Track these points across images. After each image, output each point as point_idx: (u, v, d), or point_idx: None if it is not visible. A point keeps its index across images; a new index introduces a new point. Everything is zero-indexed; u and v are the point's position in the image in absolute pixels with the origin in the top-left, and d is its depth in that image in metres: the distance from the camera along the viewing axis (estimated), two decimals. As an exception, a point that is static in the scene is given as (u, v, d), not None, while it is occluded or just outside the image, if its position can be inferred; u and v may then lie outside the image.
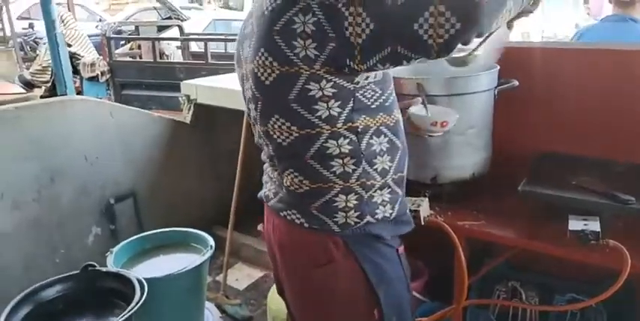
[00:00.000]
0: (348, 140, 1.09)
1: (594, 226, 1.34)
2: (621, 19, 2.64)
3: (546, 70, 1.75)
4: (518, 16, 1.13)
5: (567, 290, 1.62)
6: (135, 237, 2.08)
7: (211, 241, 2.01)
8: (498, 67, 1.66)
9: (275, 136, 1.15)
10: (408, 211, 1.25)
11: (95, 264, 1.72)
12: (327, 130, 1.08)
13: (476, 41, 1.10)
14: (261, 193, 1.31)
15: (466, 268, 1.49)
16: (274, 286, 2.27)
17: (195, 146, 2.90)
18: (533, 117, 1.78)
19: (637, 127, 1.61)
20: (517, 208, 1.55)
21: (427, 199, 1.57)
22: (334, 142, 1.09)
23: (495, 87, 1.67)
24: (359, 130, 1.09)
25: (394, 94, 1.18)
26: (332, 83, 1.04)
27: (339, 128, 1.08)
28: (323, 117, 1.07)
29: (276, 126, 1.13)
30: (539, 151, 1.71)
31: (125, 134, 2.56)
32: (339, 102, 1.06)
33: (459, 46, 0.99)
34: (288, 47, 1.03)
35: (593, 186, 1.49)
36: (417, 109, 1.41)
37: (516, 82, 1.69)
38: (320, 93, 1.05)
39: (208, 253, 1.97)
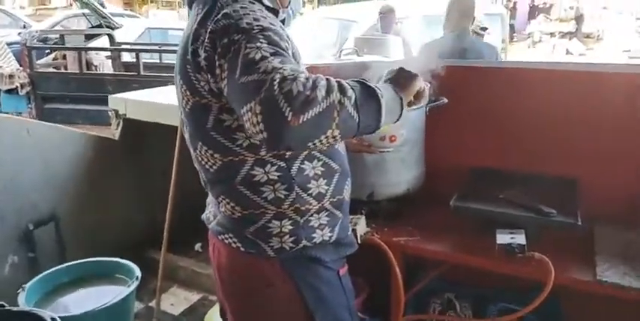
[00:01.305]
0: (275, 167, 1.07)
1: (520, 239, 1.40)
2: None
3: (474, 88, 1.82)
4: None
5: (499, 300, 1.67)
6: (52, 270, 1.94)
7: (137, 272, 1.92)
8: (429, 85, 1.70)
9: (203, 163, 1.14)
10: (349, 232, 1.24)
11: (4, 304, 1.56)
12: (251, 157, 1.07)
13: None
14: (203, 215, 1.29)
15: (403, 283, 1.51)
16: (212, 308, 2.20)
17: (124, 164, 2.76)
18: (462, 133, 1.84)
19: (561, 142, 1.70)
20: (450, 223, 1.59)
21: (364, 216, 1.59)
22: (261, 169, 1.07)
23: (426, 104, 1.72)
24: (287, 156, 1.08)
25: None
26: None
27: (263, 156, 1.07)
28: (244, 145, 1.06)
29: (202, 152, 1.12)
30: (470, 166, 1.78)
31: (44, 153, 2.39)
32: None
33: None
34: (195, 79, 1.02)
35: (519, 200, 1.56)
36: None
37: (445, 100, 1.75)
38: (236, 123, 1.04)
39: (134, 285, 1.86)
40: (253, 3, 1.06)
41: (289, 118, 0.83)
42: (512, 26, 16.03)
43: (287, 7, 1.21)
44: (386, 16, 4.39)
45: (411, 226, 1.62)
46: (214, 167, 1.11)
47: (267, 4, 1.11)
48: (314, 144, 0.89)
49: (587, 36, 17.27)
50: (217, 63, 0.95)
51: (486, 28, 3.90)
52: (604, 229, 1.53)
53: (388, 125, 1.36)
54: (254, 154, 1.06)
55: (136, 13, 14.34)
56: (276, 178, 1.08)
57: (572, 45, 15.37)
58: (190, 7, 1.13)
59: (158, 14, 15.59)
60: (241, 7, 1.01)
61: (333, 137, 0.89)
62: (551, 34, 16.46)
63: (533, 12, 18.52)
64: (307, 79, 0.87)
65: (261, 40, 0.92)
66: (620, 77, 1.68)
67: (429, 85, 1.15)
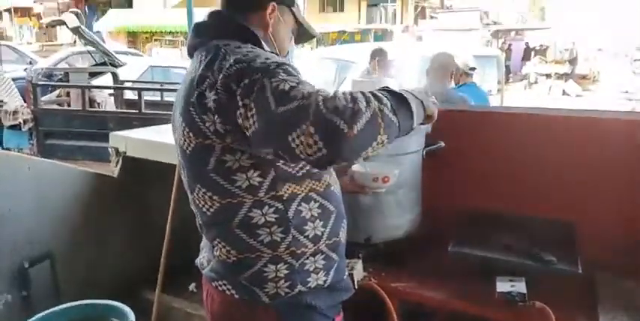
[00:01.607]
0: (273, 209, 1.08)
1: (521, 287, 1.38)
2: None
3: (471, 132, 1.85)
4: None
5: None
6: (46, 312, 1.89)
7: (132, 316, 1.87)
8: (426, 130, 1.73)
9: (200, 205, 1.14)
10: (345, 276, 1.22)
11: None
12: (250, 199, 1.07)
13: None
14: (197, 260, 1.28)
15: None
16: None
17: (122, 202, 2.75)
18: (459, 176, 1.85)
19: (558, 186, 1.71)
20: (448, 268, 1.57)
21: (361, 261, 1.57)
22: (258, 211, 1.08)
23: (423, 148, 1.74)
24: (285, 198, 1.09)
25: None
26: (247, 155, 1.05)
27: (261, 197, 1.08)
28: (243, 187, 1.07)
29: (199, 195, 1.12)
30: (467, 209, 1.77)
31: (43, 190, 2.38)
32: (259, 171, 1.06)
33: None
34: (200, 120, 1.04)
35: (518, 246, 1.54)
36: (357, 166, 1.43)
37: (442, 144, 1.76)
38: (237, 164, 1.05)
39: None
40: (254, 48, 1.10)
41: (346, 131, 0.88)
42: (507, 67, 16.42)
43: (285, 57, 1.25)
44: (380, 59, 4.50)
45: (408, 271, 1.61)
46: (211, 210, 1.12)
47: (268, 49, 1.15)
48: (366, 152, 0.94)
49: (583, 77, 17.63)
50: (240, 103, 0.96)
51: (474, 68, 4.16)
52: (605, 276, 1.51)
53: (381, 169, 1.39)
54: (252, 196, 1.07)
55: (140, 51, 14.69)
56: (273, 220, 1.08)
57: (568, 86, 15.66)
58: (191, 56, 1.17)
59: (161, 52, 15.95)
60: (248, 52, 1.05)
61: (382, 142, 0.94)
62: (547, 76, 16.81)
63: (527, 53, 18.99)
64: (344, 94, 0.93)
65: (281, 74, 0.96)
66: (618, 123, 1.71)
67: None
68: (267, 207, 1.08)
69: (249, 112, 0.96)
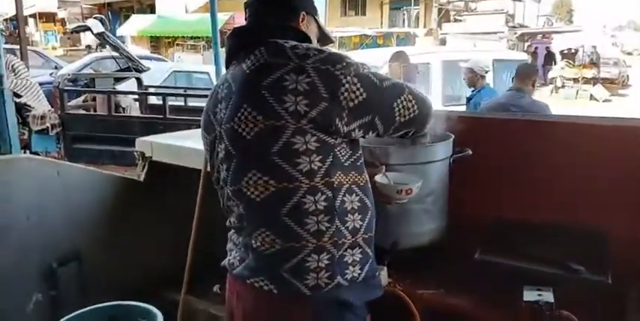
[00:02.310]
0: (324, 196, 1.12)
1: (548, 297, 1.36)
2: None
3: (498, 139, 1.84)
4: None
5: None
6: (75, 314, 1.94)
7: (160, 317, 1.90)
8: (453, 137, 1.73)
9: (249, 193, 1.15)
10: (377, 273, 1.26)
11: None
12: (306, 184, 1.11)
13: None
14: (224, 262, 1.29)
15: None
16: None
17: (148, 206, 2.79)
18: (487, 184, 1.83)
19: (588, 194, 1.68)
20: (474, 276, 1.55)
21: (386, 267, 1.57)
22: (312, 197, 1.12)
23: (450, 156, 1.73)
24: (335, 185, 1.13)
25: (363, 157, 1.24)
26: (316, 137, 1.11)
27: (316, 182, 1.12)
28: (304, 170, 1.11)
29: (251, 182, 1.14)
30: (495, 218, 1.76)
31: (72, 194, 2.45)
32: (321, 156, 1.12)
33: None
34: (276, 101, 1.09)
35: (546, 254, 1.53)
36: (380, 177, 1.43)
37: (470, 151, 1.76)
38: (304, 147, 1.10)
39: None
40: None
41: (429, 101, 1.26)
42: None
43: None
44: (401, 63, 4.50)
45: (434, 279, 1.60)
46: (262, 196, 1.14)
47: None
48: (430, 122, 1.30)
49: (612, 82, 17.27)
50: (344, 80, 1.12)
51: (488, 70, 4.58)
52: (635, 288, 1.48)
53: (404, 180, 1.44)
54: (309, 181, 1.11)
55: (163, 56, 14.91)
56: (322, 207, 1.12)
57: (595, 91, 15.37)
58: (236, 56, 1.23)
59: (183, 57, 16.17)
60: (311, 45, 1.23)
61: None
62: (575, 80, 16.51)
63: (549, 58, 18.65)
64: None
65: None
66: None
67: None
68: (319, 194, 1.12)
69: (353, 86, 1.12)
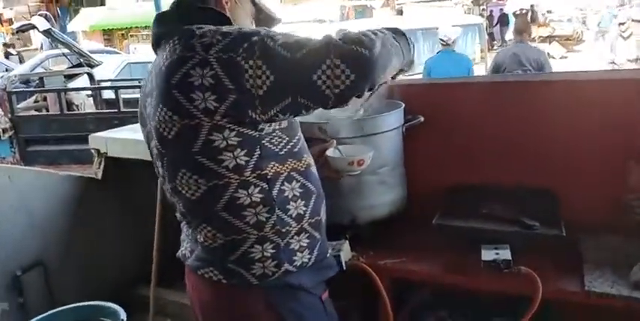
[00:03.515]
0: (258, 188, 1.09)
1: (505, 254, 1.38)
2: None
3: (447, 105, 1.82)
4: (397, 73, 1.24)
5: (494, 315, 1.64)
6: (36, 319, 1.90)
7: (122, 314, 1.88)
8: (403, 105, 1.72)
9: (184, 192, 1.13)
10: (328, 254, 1.24)
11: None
12: (236, 179, 1.08)
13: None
14: (179, 253, 1.28)
15: (393, 305, 1.48)
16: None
17: (108, 203, 2.74)
18: (440, 151, 1.84)
19: (537, 154, 1.70)
20: (435, 242, 1.57)
21: (347, 242, 1.56)
22: (244, 191, 1.09)
23: (402, 125, 1.72)
24: (269, 177, 1.10)
25: (303, 140, 1.20)
26: (235, 132, 1.05)
27: (247, 177, 1.08)
28: (230, 167, 1.07)
29: (183, 181, 1.12)
30: (451, 184, 1.76)
31: (28, 198, 2.37)
32: (245, 150, 1.07)
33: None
34: (187, 100, 1.04)
35: (501, 214, 1.55)
36: (332, 151, 1.42)
37: (422, 118, 1.75)
38: (224, 143, 1.06)
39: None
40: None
41: (368, 54, 1.00)
42: (491, 35, 16.30)
43: None
44: None
45: (396, 248, 1.61)
46: (197, 194, 1.11)
47: None
48: (385, 75, 1.08)
49: (567, 38, 17.55)
50: (246, 66, 1.00)
51: (450, 38, 5.24)
52: (589, 237, 1.51)
53: (356, 152, 1.39)
54: (239, 176, 1.08)
55: (117, 48, 14.46)
56: (258, 200, 1.09)
57: (551, 48, 15.60)
58: (158, 45, 1.15)
59: (139, 48, 15.70)
60: (228, 28, 1.08)
61: (394, 67, 1.11)
62: (532, 39, 16.72)
63: (503, 19, 18.79)
64: (351, 31, 1.06)
65: (277, 34, 1.04)
66: (593, 84, 1.69)
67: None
68: (252, 187, 1.09)
69: (258, 71, 1.01)
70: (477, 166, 1.78)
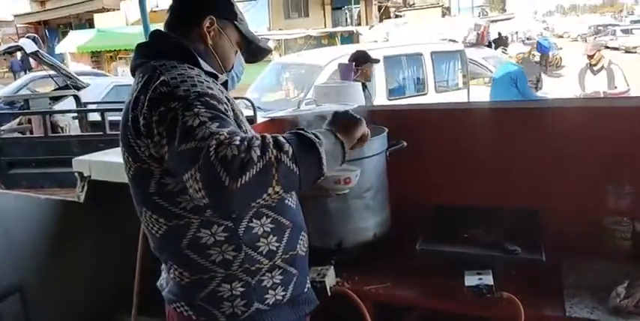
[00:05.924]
0: (222, 227, 1.06)
1: (488, 279, 1.39)
2: None
3: (430, 129, 1.86)
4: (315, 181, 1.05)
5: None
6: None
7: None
8: (387, 130, 1.74)
9: (149, 228, 1.13)
10: (306, 289, 1.21)
11: None
12: (197, 219, 1.06)
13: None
14: (158, 282, 1.26)
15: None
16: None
17: (90, 227, 2.69)
18: (423, 174, 1.86)
19: (520, 175, 1.73)
20: (419, 266, 1.57)
21: (332, 267, 1.56)
22: (207, 231, 1.06)
23: (386, 149, 1.74)
24: (234, 215, 1.07)
25: None
26: None
27: (208, 217, 1.05)
28: (188, 208, 1.05)
29: (147, 217, 1.11)
30: (434, 206, 1.78)
31: (7, 222, 2.32)
32: None
33: None
34: (136, 145, 1.04)
35: (484, 238, 1.56)
36: None
37: (405, 143, 1.77)
38: (178, 186, 1.04)
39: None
40: (192, 68, 1.08)
41: (227, 183, 0.85)
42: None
43: (230, 70, 1.23)
44: (344, 63, 4.45)
45: (381, 273, 1.60)
46: (160, 232, 1.10)
47: (207, 69, 1.13)
48: (257, 203, 0.91)
49: (547, 64, 17.97)
50: (156, 131, 0.98)
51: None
52: (570, 261, 1.53)
53: (342, 169, 1.39)
54: (199, 216, 1.06)
55: (105, 70, 14.47)
56: (223, 239, 1.06)
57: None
58: (133, 76, 1.15)
59: (127, 71, 15.74)
60: (179, 74, 1.03)
61: (276, 193, 0.91)
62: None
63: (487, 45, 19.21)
64: (242, 141, 0.89)
65: (198, 107, 0.95)
66: (573, 111, 1.74)
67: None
68: (215, 226, 1.06)
69: (162, 140, 0.97)
70: (460, 189, 1.81)
